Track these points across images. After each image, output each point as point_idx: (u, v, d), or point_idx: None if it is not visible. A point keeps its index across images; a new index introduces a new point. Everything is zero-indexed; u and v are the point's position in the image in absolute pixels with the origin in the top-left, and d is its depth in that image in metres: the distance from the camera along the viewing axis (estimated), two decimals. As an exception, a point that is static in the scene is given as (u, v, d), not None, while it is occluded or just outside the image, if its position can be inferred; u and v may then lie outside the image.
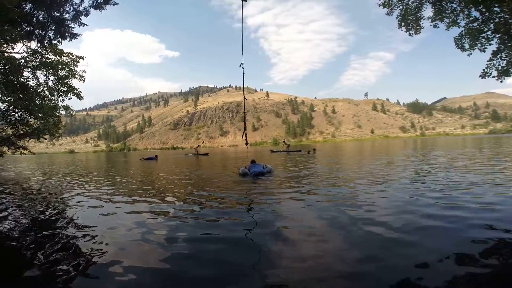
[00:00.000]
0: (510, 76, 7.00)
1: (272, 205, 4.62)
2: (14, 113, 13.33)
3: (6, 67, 11.30)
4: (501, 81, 7.20)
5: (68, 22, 7.76)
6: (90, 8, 7.64)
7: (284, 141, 44.63)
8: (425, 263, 2.34)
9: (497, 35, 6.55)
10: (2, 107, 12.96)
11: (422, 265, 2.32)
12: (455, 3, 6.97)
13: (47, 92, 13.62)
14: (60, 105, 14.07)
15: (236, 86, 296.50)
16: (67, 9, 7.53)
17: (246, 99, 7.89)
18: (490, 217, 3.51)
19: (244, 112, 7.59)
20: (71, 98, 14.24)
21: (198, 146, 34.18)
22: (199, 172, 11.47)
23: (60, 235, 3.50)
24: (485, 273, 2.21)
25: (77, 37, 8.43)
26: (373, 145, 44.95)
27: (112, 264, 2.53)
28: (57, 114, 14.31)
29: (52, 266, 2.60)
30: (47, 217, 4.52)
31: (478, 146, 23.48)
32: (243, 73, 6.61)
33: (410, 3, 7.56)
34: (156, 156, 25.65)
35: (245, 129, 7.27)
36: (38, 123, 13.75)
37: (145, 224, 3.78)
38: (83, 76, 14.16)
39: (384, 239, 2.90)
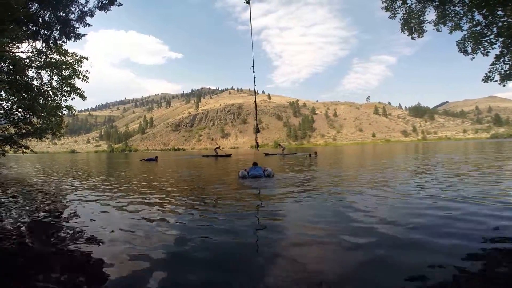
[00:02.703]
0: (513, 80, 6.99)
1: (269, 209, 4.59)
2: (17, 112, 13.41)
3: (10, 67, 11.40)
4: (504, 85, 7.18)
5: (73, 22, 7.82)
6: (95, 9, 7.71)
7: (279, 144, 45.18)
8: (423, 266, 2.34)
9: (500, 39, 6.54)
10: (5, 106, 13.05)
11: (421, 268, 2.31)
12: (459, 7, 6.98)
13: (50, 92, 13.72)
14: (63, 105, 14.17)
15: (237, 88, 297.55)
16: (73, 9, 7.60)
17: (255, 102, 7.96)
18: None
19: (256, 115, 7.65)
20: (74, 98, 14.34)
21: (218, 147, 32.30)
22: (199, 174, 11.48)
23: (59, 236, 3.52)
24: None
25: (82, 38, 8.49)
26: (375, 149, 44.83)
27: (109, 266, 2.53)
28: (60, 114, 14.40)
29: (50, 266, 2.61)
30: (47, 217, 4.54)
31: (480, 151, 23.39)
32: (254, 77, 6.69)
33: (413, 7, 7.57)
34: (156, 157, 25.68)
35: (257, 131, 7.30)
36: (41, 122, 13.83)
37: (141, 226, 3.74)
38: (86, 77, 14.26)
39: (384, 243, 2.88)
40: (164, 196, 6.00)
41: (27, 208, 5.21)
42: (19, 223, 4.06)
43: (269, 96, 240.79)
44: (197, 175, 10.70)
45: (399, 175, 8.66)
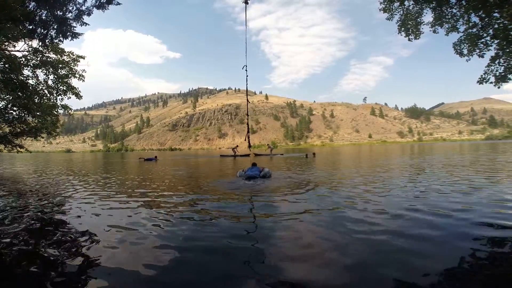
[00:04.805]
0: (507, 82, 7.08)
1: (265, 210, 4.53)
2: (12, 111, 13.29)
3: (6, 65, 11.27)
4: (499, 87, 7.28)
5: (71, 21, 7.77)
6: (92, 8, 7.66)
7: (268, 145, 45.83)
8: (422, 268, 2.36)
9: (496, 41, 6.62)
10: (0, 105, 12.92)
11: (420, 270, 2.33)
12: (455, 9, 7.06)
13: (46, 91, 13.61)
14: (58, 104, 14.07)
15: (235, 88, 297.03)
16: (70, 8, 7.54)
17: (249, 102, 7.97)
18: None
19: (247, 115, 7.64)
20: (70, 97, 14.25)
21: (237, 146, 31.87)
22: (196, 175, 11.46)
23: (56, 236, 3.49)
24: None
25: (79, 37, 8.43)
26: (371, 150, 45.02)
27: (104, 266, 2.50)
28: (56, 113, 14.29)
29: (47, 266, 2.59)
30: (43, 217, 4.49)
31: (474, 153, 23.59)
32: (247, 76, 6.66)
33: (410, 8, 7.65)
34: (156, 157, 25.47)
35: (248, 131, 7.32)
36: (36, 121, 13.72)
37: (138, 228, 3.67)
38: (82, 76, 14.17)
39: (381, 246, 2.87)
40: (159, 197, 5.97)
41: (23, 208, 5.15)
42: (14, 224, 4.02)
43: (266, 97, 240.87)
44: (194, 177, 10.67)
45: (395, 178, 8.72)
